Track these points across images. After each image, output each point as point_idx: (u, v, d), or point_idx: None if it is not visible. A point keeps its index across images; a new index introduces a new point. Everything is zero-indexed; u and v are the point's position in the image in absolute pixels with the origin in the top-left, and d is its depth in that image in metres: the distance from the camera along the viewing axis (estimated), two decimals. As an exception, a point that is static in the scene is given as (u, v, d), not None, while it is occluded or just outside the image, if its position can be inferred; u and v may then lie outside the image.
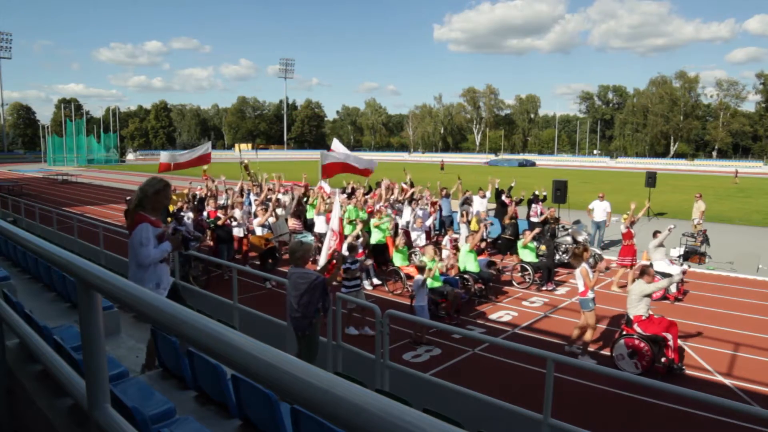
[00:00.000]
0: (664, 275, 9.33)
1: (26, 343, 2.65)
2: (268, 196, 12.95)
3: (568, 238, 12.47)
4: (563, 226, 13.66)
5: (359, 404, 0.82)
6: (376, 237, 11.47)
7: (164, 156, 14.97)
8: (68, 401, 2.58)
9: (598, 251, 12.33)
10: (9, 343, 3.04)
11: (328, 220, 11.06)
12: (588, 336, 7.36)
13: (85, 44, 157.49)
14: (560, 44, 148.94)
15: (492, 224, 14.03)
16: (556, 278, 11.10)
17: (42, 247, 2.01)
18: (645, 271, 7.33)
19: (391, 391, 4.75)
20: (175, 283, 4.59)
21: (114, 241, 12.62)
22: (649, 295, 7.11)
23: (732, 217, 21.18)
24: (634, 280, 7.45)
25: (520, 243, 11.01)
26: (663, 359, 6.78)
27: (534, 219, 13.84)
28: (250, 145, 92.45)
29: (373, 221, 11.65)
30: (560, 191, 14.19)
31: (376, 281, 10.75)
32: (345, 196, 13.44)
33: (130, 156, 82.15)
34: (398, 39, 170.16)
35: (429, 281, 8.36)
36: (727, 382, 6.63)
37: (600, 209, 14.54)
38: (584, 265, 7.44)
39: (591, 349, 7.48)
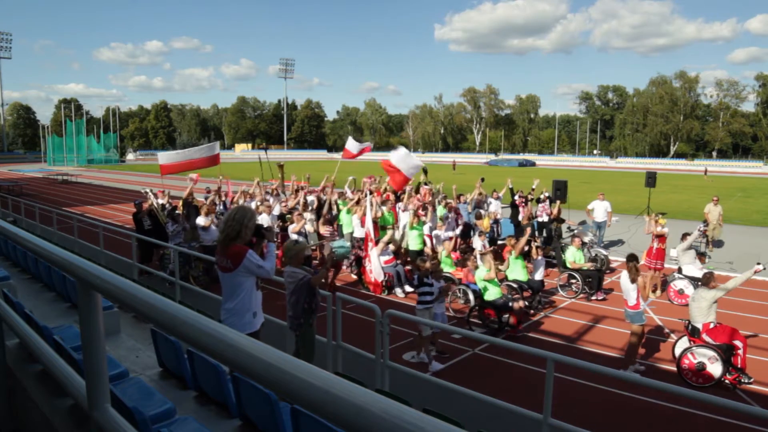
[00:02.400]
0: (694, 280, 9.06)
1: (26, 343, 2.65)
2: (296, 203, 12.32)
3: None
4: (569, 227, 13.59)
5: (359, 404, 0.82)
6: (413, 243, 11.01)
7: (163, 157, 14.09)
8: (68, 401, 2.58)
9: (605, 252, 12.28)
10: (9, 343, 3.04)
11: (362, 223, 10.81)
12: (637, 348, 6.93)
13: (85, 44, 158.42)
14: (562, 44, 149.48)
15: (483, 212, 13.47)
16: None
17: (42, 247, 2.01)
18: (709, 279, 6.86)
19: (391, 391, 4.75)
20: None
21: (114, 241, 12.63)
22: (715, 301, 6.63)
23: (732, 217, 21.16)
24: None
25: (567, 255, 10.45)
26: (731, 369, 6.39)
27: (541, 219, 13.78)
28: (249, 146, 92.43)
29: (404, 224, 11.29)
30: (560, 191, 14.16)
31: (408, 288, 10.14)
32: (379, 198, 12.62)
33: (130, 156, 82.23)
34: (399, 39, 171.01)
35: (489, 294, 8.16)
36: (728, 382, 6.61)
37: (600, 209, 14.51)
38: (640, 277, 6.92)
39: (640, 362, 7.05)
